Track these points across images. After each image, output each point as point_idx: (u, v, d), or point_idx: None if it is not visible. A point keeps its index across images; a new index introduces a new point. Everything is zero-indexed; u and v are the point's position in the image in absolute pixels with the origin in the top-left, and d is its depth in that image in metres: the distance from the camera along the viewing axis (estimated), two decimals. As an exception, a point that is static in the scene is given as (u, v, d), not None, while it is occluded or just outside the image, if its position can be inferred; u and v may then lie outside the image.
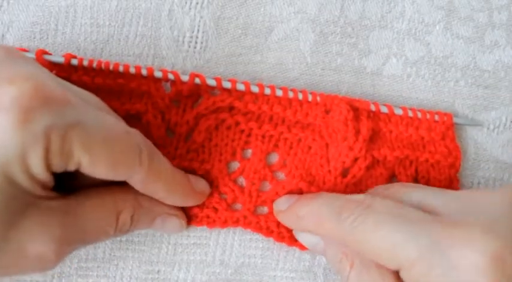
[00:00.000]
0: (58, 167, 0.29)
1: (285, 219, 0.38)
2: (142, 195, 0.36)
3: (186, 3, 0.40)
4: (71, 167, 0.30)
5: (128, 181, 0.34)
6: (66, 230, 0.31)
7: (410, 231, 0.31)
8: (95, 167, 0.31)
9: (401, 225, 0.31)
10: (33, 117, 0.28)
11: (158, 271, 0.40)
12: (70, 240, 0.32)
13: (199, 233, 0.40)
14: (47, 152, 0.28)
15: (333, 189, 0.39)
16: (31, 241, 0.30)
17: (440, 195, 0.34)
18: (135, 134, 0.33)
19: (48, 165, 0.29)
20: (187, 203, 0.38)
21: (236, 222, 0.39)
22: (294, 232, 0.39)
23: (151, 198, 0.37)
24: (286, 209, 0.38)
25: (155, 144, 0.38)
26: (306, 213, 0.37)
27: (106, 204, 0.34)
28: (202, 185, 0.39)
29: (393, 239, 0.31)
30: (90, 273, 0.39)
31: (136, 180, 0.34)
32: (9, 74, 0.29)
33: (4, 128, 0.27)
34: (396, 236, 0.31)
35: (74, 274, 0.39)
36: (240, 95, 0.39)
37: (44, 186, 0.30)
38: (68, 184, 0.34)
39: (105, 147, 0.31)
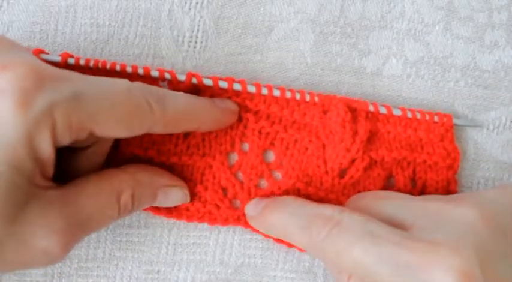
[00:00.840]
0: (68, 140, 0.29)
1: (256, 226, 0.38)
2: (141, 172, 0.36)
3: (186, 3, 0.40)
4: (82, 136, 0.30)
5: (150, 131, 0.33)
6: (68, 221, 0.31)
7: (380, 253, 0.31)
8: (108, 131, 0.31)
9: (372, 247, 0.31)
10: (32, 98, 0.27)
11: (158, 271, 0.40)
12: (73, 231, 0.31)
13: (199, 233, 0.40)
14: (53, 129, 0.28)
15: (331, 190, 0.39)
16: (34, 235, 0.30)
17: (410, 208, 0.35)
18: (137, 88, 0.33)
19: (56, 142, 0.29)
20: (221, 124, 0.38)
21: (237, 220, 0.40)
22: None
23: (150, 173, 0.37)
24: (256, 215, 0.38)
25: (154, 142, 0.38)
26: (274, 223, 0.37)
27: (104, 188, 0.34)
28: (230, 103, 0.38)
29: (364, 262, 0.31)
30: (90, 273, 0.40)
31: (158, 128, 0.34)
32: (2, 61, 0.29)
33: (5, 114, 0.27)
34: (367, 259, 0.31)
35: (74, 274, 0.39)
36: (238, 92, 0.39)
37: (44, 168, 0.30)
38: (65, 173, 0.33)
39: (111, 110, 0.30)
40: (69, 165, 0.34)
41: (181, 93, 0.36)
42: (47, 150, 0.29)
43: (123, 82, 0.33)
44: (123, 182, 0.35)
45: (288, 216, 0.36)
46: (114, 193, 0.34)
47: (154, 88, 0.34)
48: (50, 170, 0.30)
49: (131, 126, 0.32)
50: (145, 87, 0.33)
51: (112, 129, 0.31)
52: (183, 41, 0.40)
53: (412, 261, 0.30)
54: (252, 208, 0.39)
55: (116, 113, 0.31)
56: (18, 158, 0.28)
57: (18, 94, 0.27)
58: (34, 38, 0.40)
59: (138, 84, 0.33)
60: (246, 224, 0.40)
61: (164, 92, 0.35)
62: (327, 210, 0.35)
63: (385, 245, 0.31)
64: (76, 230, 0.32)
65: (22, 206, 0.29)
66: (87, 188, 0.33)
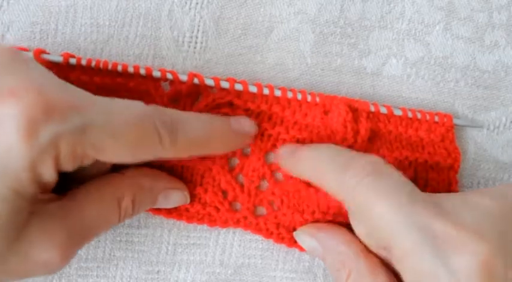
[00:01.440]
0: (71, 167, 0.29)
1: (288, 165, 0.38)
2: (141, 176, 0.36)
3: (186, 3, 0.40)
4: (86, 163, 0.30)
5: (159, 158, 0.33)
6: (70, 232, 0.31)
7: (412, 216, 0.30)
8: (113, 159, 0.31)
9: (407, 205, 0.31)
10: (38, 129, 0.27)
11: (158, 271, 0.40)
12: (75, 242, 0.32)
13: (199, 234, 0.40)
14: (57, 159, 0.28)
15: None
16: (36, 249, 0.30)
17: (435, 195, 0.34)
18: (149, 116, 0.32)
19: (59, 168, 0.29)
20: (234, 148, 0.38)
21: (237, 223, 0.39)
22: (294, 234, 0.39)
23: (150, 177, 0.37)
24: (290, 153, 0.37)
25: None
26: (308, 161, 0.36)
27: (105, 195, 0.34)
28: (247, 125, 0.38)
29: (394, 219, 0.31)
30: (90, 273, 0.40)
31: (166, 156, 0.33)
32: (10, 84, 0.28)
33: (10, 143, 0.27)
34: (398, 218, 0.31)
35: (74, 274, 0.39)
36: (240, 93, 0.39)
37: (45, 189, 0.30)
38: (64, 182, 0.33)
39: (118, 140, 0.30)
40: (73, 175, 0.34)
41: (197, 115, 0.36)
42: (49, 176, 0.29)
43: (136, 109, 0.32)
44: (124, 187, 0.35)
45: (325, 155, 0.35)
46: (115, 199, 0.34)
47: (168, 114, 0.34)
48: (52, 186, 0.30)
49: (137, 156, 0.32)
50: (159, 115, 0.33)
51: (117, 157, 0.31)
52: (183, 42, 0.40)
53: (442, 235, 0.30)
54: (286, 149, 0.38)
55: (122, 144, 0.31)
56: (20, 184, 0.28)
57: (25, 124, 0.27)
58: (34, 38, 0.40)
59: (151, 110, 0.33)
60: (246, 227, 0.40)
61: (178, 117, 0.34)
62: (369, 157, 0.34)
63: (420, 208, 0.31)
64: (77, 240, 0.32)
65: (24, 225, 0.29)
66: (89, 196, 0.33)
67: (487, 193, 0.34)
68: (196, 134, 0.35)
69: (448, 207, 0.32)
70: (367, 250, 0.35)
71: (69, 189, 0.34)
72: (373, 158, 0.34)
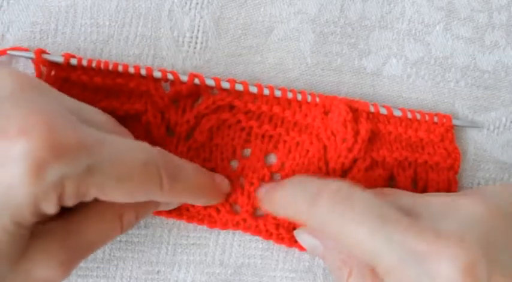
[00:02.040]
0: (72, 203, 0.29)
1: (266, 206, 0.38)
2: None
3: (186, 3, 0.40)
4: (87, 200, 0.30)
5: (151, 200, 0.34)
6: (70, 251, 0.32)
7: (388, 238, 0.30)
8: (111, 198, 0.31)
9: (381, 228, 0.31)
10: (46, 170, 0.27)
11: (158, 271, 0.40)
12: (75, 259, 0.32)
13: (198, 234, 0.40)
14: (61, 197, 0.28)
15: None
16: (37, 268, 0.30)
17: (416, 201, 0.34)
18: (154, 161, 0.32)
19: (61, 204, 0.29)
20: (211, 203, 0.38)
21: (236, 226, 0.39)
22: (294, 233, 0.39)
23: None
24: (264, 195, 0.38)
25: (155, 143, 0.38)
26: (281, 199, 0.36)
27: (107, 212, 0.34)
28: (225, 186, 0.39)
29: (371, 243, 0.31)
30: (90, 273, 0.39)
31: (160, 200, 0.34)
32: (20, 120, 0.28)
33: (16, 180, 0.27)
34: (375, 241, 0.31)
35: (73, 274, 0.39)
36: (240, 94, 0.39)
37: (46, 217, 0.30)
38: None
39: (121, 185, 0.30)
40: None
41: (193, 166, 0.36)
42: (51, 210, 0.29)
43: (142, 152, 0.32)
44: (126, 204, 0.34)
45: (295, 190, 0.35)
46: (117, 216, 0.34)
47: (171, 160, 0.34)
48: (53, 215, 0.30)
49: (136, 198, 0.32)
50: (163, 160, 0.33)
51: (116, 198, 0.31)
52: (183, 42, 0.40)
53: (420, 248, 0.30)
54: (261, 190, 0.39)
55: (125, 187, 0.31)
56: (22, 216, 0.28)
57: (32, 164, 0.27)
58: (34, 38, 0.40)
59: (156, 155, 0.33)
60: (245, 229, 0.40)
61: (180, 165, 0.35)
62: (336, 183, 0.34)
63: (394, 229, 0.31)
64: (77, 257, 0.32)
65: (25, 247, 0.30)
66: (90, 213, 0.33)
67: (474, 195, 0.34)
68: (192, 182, 0.36)
69: (427, 217, 0.32)
70: None
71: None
72: (341, 184, 0.34)
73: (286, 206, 0.36)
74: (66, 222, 0.32)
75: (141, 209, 0.35)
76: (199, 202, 0.38)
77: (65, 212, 0.32)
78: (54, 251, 0.31)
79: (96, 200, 0.33)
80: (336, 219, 0.32)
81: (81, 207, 0.33)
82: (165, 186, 0.32)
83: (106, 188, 0.30)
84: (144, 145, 0.33)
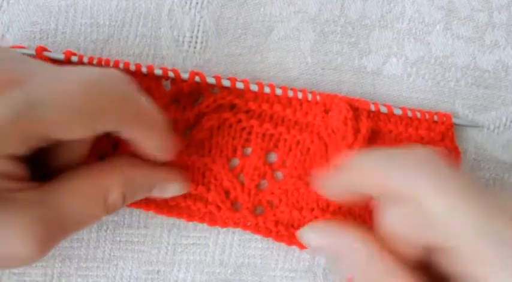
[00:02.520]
0: (23, 150, 0.27)
1: (325, 188, 0.35)
2: (134, 167, 0.33)
3: (186, 3, 0.40)
4: (43, 144, 0.28)
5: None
6: (47, 224, 0.28)
7: (485, 226, 0.27)
8: (68, 134, 0.28)
9: (476, 213, 0.27)
10: None
11: (158, 271, 0.40)
12: (52, 235, 0.29)
13: (198, 233, 0.40)
14: (6, 143, 0.26)
15: (332, 190, 0.39)
16: (9, 243, 0.27)
17: None
18: (97, 79, 0.29)
19: (11, 154, 0.26)
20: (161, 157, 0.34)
21: (236, 224, 0.39)
22: (299, 232, 0.38)
23: (144, 169, 0.34)
24: (321, 180, 0.34)
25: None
26: (369, 167, 0.32)
27: (88, 187, 0.31)
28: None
29: (460, 223, 0.27)
30: (90, 273, 0.39)
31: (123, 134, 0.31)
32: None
33: None
34: (465, 223, 0.27)
35: (73, 274, 0.39)
36: (241, 93, 0.39)
37: (15, 177, 0.27)
38: (44, 169, 0.30)
39: (65, 110, 0.27)
40: (51, 158, 0.31)
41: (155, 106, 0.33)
42: (5, 165, 0.26)
43: (82, 72, 0.29)
44: (112, 179, 0.32)
45: (383, 160, 0.31)
46: (100, 192, 0.31)
47: (129, 88, 0.31)
48: (21, 173, 0.28)
49: (95, 126, 0.28)
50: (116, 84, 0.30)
51: (73, 132, 0.28)
52: (183, 41, 0.40)
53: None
54: (316, 179, 0.35)
55: (71, 114, 0.27)
56: None
57: None
58: (34, 38, 0.40)
59: (98, 71, 0.29)
60: (245, 227, 0.39)
61: (137, 99, 0.31)
62: (425, 149, 0.31)
63: (494, 216, 0.27)
64: (55, 233, 0.29)
65: None
66: (69, 186, 0.30)
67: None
68: (152, 118, 0.33)
69: None
70: (381, 248, 0.32)
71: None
72: (429, 150, 0.31)
73: (373, 175, 0.31)
74: (44, 192, 0.29)
75: (129, 190, 0.32)
76: (150, 145, 0.33)
77: (44, 183, 0.30)
78: (28, 222, 0.27)
79: (76, 173, 0.30)
80: (426, 184, 0.29)
81: (62, 180, 0.30)
82: (117, 112, 0.29)
83: (50, 120, 0.26)
84: (88, 68, 0.29)
